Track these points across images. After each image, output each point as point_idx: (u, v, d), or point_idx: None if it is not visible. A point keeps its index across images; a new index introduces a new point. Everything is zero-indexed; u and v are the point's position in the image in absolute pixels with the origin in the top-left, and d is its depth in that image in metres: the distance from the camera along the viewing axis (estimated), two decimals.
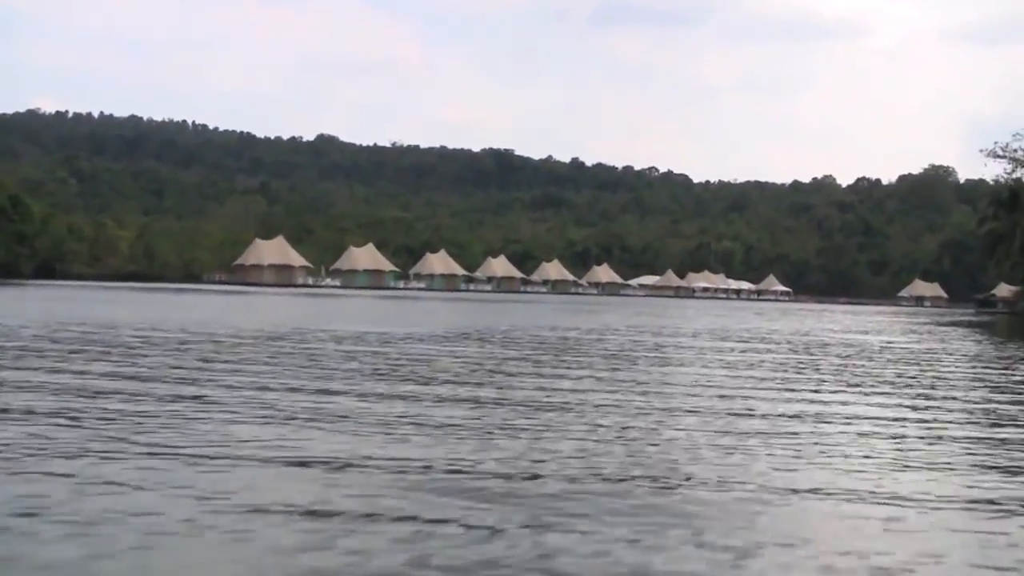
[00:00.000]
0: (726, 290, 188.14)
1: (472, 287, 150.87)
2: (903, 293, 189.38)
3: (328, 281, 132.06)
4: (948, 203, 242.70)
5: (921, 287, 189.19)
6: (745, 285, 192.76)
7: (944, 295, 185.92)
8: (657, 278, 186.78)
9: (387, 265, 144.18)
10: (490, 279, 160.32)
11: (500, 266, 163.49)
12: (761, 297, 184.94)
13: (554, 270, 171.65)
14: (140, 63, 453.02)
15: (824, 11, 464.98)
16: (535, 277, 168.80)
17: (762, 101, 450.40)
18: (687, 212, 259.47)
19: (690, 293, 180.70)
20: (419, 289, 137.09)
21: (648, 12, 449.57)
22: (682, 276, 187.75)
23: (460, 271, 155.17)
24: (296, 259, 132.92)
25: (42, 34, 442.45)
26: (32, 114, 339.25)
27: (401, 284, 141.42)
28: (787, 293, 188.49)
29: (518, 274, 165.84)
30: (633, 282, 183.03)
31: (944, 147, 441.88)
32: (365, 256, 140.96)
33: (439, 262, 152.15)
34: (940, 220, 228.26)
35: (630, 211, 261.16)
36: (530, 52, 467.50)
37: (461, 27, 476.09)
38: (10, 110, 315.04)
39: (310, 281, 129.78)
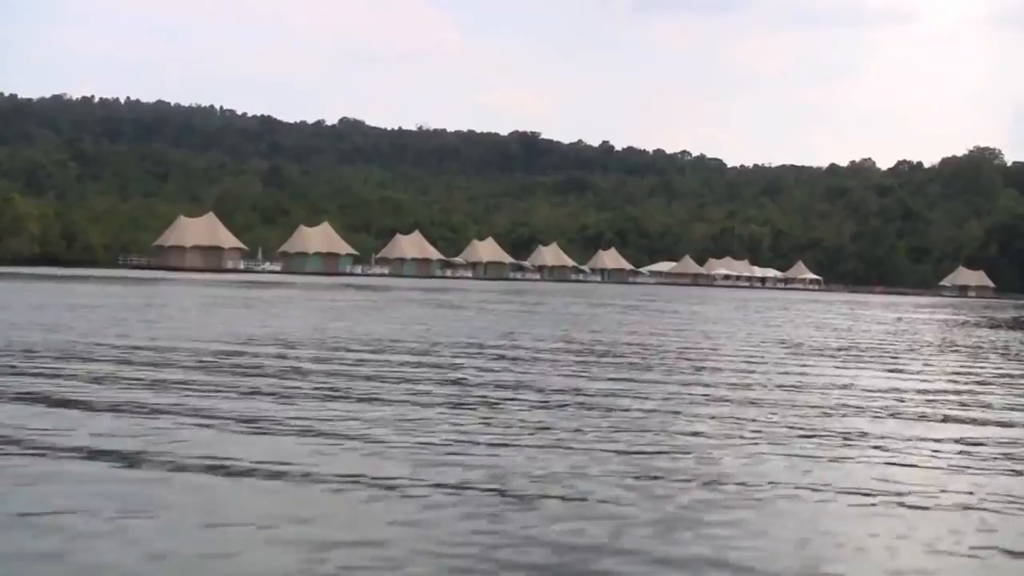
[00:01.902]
0: (750, 278, 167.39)
1: (449, 273, 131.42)
2: (945, 282, 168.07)
3: (267, 266, 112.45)
4: (995, 186, 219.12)
5: (966, 276, 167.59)
6: (771, 273, 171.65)
7: (991, 284, 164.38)
8: (673, 264, 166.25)
9: (344, 247, 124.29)
10: (474, 264, 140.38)
11: (487, 250, 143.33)
12: (788, 286, 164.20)
13: (552, 255, 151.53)
14: (171, 49, 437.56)
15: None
16: (530, 262, 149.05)
17: (804, 88, 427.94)
18: (717, 197, 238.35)
19: (709, 281, 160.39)
20: (379, 275, 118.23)
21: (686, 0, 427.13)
22: (702, 263, 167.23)
23: (435, 255, 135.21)
24: (228, 240, 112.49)
25: (71, 21, 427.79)
26: (56, 100, 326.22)
27: (359, 269, 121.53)
28: (817, 282, 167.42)
29: (507, 259, 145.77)
30: (645, 269, 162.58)
31: (990, 134, 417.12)
32: (318, 237, 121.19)
33: (411, 245, 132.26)
34: (986, 204, 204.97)
35: (657, 195, 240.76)
36: (570, 40, 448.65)
37: (503, 15, 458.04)
38: (35, 95, 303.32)
39: (241, 265, 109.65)
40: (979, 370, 20.42)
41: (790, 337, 29.34)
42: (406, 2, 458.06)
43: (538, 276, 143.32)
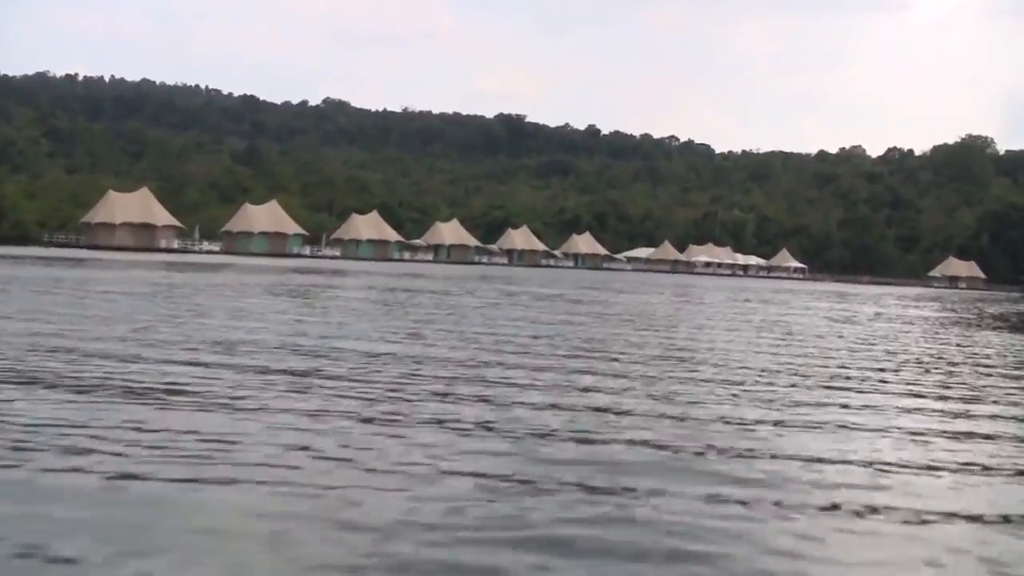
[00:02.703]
0: (732, 265, 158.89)
1: (407, 256, 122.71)
2: (935, 272, 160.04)
3: (205, 245, 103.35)
4: (987, 175, 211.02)
5: (956, 266, 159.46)
6: (755, 260, 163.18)
7: (982, 275, 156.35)
8: (652, 250, 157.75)
9: (293, 227, 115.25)
10: (436, 247, 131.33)
11: (450, 232, 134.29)
12: (772, 274, 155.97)
13: (521, 239, 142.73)
14: (160, 28, 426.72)
15: None
16: (497, 246, 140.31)
17: (796, 75, 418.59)
18: (703, 182, 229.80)
19: (689, 268, 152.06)
20: (330, 257, 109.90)
21: None
22: (682, 249, 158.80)
23: (393, 236, 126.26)
24: (162, 217, 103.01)
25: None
26: (40, 77, 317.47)
27: (308, 250, 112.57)
28: (802, 270, 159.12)
29: (472, 242, 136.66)
30: (621, 255, 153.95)
31: (982, 123, 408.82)
32: (265, 216, 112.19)
33: (367, 226, 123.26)
34: (978, 193, 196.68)
35: (641, 180, 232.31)
36: (562, 24, 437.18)
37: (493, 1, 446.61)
38: (19, 73, 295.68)
39: (175, 244, 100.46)
40: (989, 426, 12.00)
41: (695, 348, 20.71)
42: None
43: (505, 260, 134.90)
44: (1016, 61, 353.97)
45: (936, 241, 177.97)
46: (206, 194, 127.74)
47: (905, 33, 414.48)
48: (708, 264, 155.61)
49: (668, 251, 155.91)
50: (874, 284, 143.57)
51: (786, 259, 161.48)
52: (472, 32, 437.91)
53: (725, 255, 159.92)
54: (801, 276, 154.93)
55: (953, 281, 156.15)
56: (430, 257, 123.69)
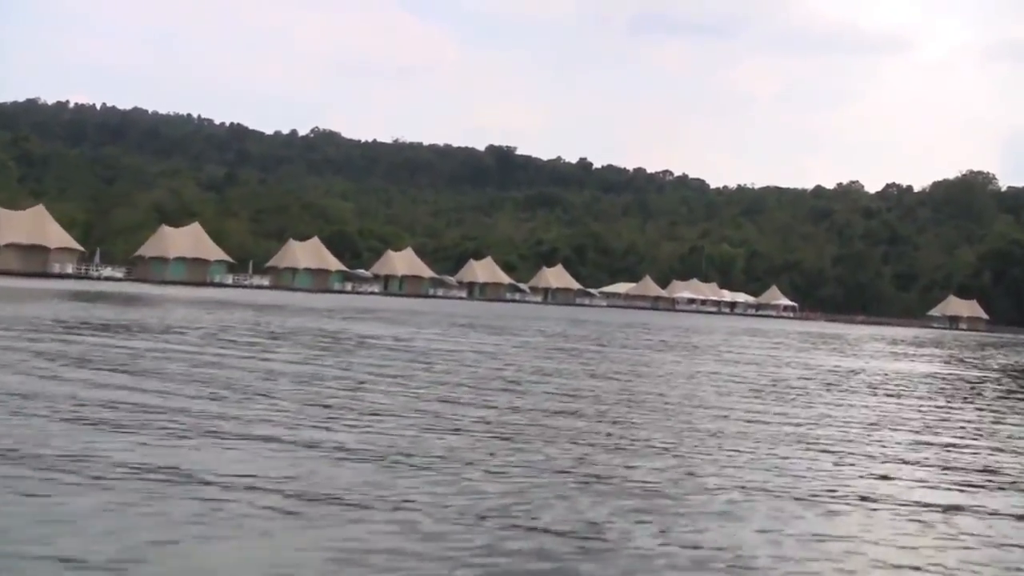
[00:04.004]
0: (718, 302, 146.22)
1: (349, 287, 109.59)
2: (934, 312, 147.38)
3: (109, 272, 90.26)
4: (988, 211, 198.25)
5: (957, 305, 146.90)
6: (742, 297, 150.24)
7: (984, 315, 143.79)
8: (632, 285, 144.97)
9: (217, 253, 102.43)
10: (386, 278, 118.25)
11: (403, 262, 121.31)
12: (760, 312, 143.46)
13: (485, 271, 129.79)
14: (159, 59, 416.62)
15: (865, 26, 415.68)
16: (457, 279, 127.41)
17: (797, 114, 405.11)
18: (695, 216, 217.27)
19: (671, 305, 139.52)
20: (256, 287, 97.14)
21: (685, 24, 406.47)
22: (665, 285, 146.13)
23: (336, 265, 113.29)
24: (59, 239, 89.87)
25: (52, 26, 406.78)
26: (31, 103, 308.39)
27: (231, 279, 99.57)
28: (792, 308, 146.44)
29: (428, 272, 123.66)
30: (596, 290, 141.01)
31: (983, 162, 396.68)
32: (184, 241, 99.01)
33: (306, 254, 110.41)
34: (979, 230, 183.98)
35: (631, 214, 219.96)
36: (565, 59, 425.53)
37: (498, 32, 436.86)
38: (9, 100, 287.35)
39: (69, 269, 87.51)
40: None
41: None
42: (402, 18, 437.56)
43: (463, 294, 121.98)
44: (1015, 104, 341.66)
45: (935, 279, 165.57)
46: (147, 215, 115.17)
47: (906, 75, 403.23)
48: (692, 301, 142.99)
49: (649, 287, 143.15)
50: (868, 324, 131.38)
51: (775, 296, 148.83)
52: (473, 66, 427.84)
53: (711, 291, 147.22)
54: (791, 315, 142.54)
55: (953, 321, 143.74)
56: (376, 289, 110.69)
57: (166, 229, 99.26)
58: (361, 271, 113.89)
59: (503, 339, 34.71)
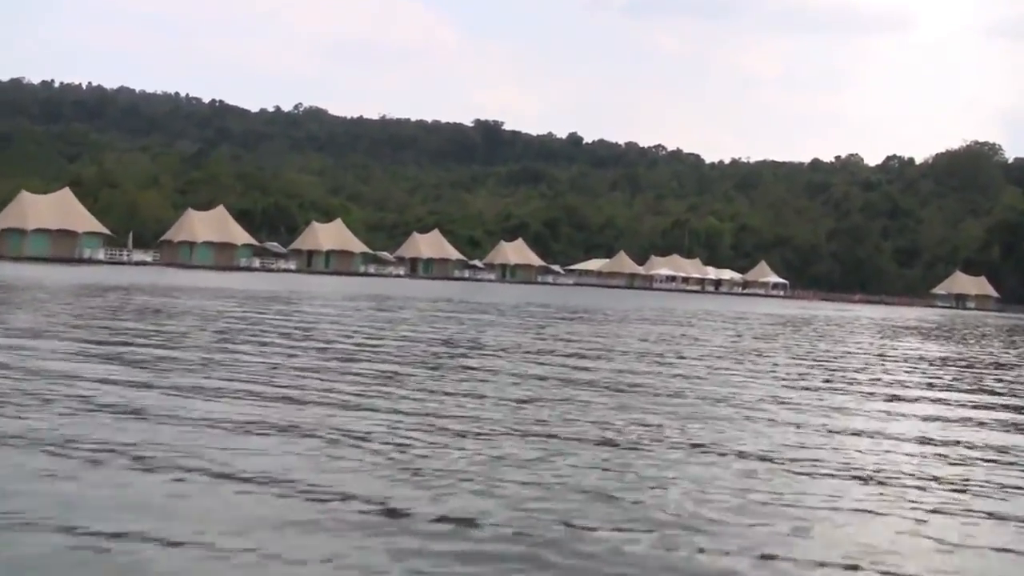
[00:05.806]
0: (700, 280, 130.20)
1: (258, 263, 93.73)
2: (939, 289, 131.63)
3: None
4: (995, 183, 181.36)
5: (963, 282, 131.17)
6: (728, 275, 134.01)
7: (993, 292, 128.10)
8: (605, 262, 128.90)
9: (91, 225, 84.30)
10: (309, 253, 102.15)
11: (329, 237, 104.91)
12: (747, 290, 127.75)
13: (430, 246, 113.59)
14: (154, 39, 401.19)
15: (863, 6, 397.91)
16: (398, 254, 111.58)
17: (796, 93, 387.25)
18: (686, 191, 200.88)
19: (648, 283, 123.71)
20: (137, 264, 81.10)
21: (681, 4, 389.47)
22: (642, 261, 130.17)
23: (244, 239, 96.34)
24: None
25: (38, 6, 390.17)
26: (15, 83, 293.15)
27: (101, 253, 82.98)
28: (782, 286, 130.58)
29: (361, 248, 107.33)
30: (560, 267, 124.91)
31: (985, 136, 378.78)
32: (46, 211, 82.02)
33: (208, 226, 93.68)
34: (985, 203, 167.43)
35: (620, 188, 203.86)
36: (559, 40, 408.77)
37: (494, 13, 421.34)
38: None
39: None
40: None
41: None
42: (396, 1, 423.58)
43: (401, 272, 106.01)
44: (1014, 83, 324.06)
45: (939, 255, 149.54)
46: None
47: (905, 54, 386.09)
48: (671, 279, 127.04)
49: (624, 263, 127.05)
50: (867, 303, 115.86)
51: (764, 273, 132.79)
52: (468, 46, 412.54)
53: (693, 268, 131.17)
54: (781, 293, 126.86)
55: (960, 299, 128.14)
56: (292, 266, 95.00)
57: (25, 194, 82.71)
58: (273, 244, 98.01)
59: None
